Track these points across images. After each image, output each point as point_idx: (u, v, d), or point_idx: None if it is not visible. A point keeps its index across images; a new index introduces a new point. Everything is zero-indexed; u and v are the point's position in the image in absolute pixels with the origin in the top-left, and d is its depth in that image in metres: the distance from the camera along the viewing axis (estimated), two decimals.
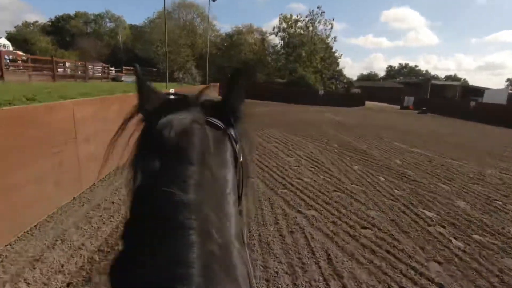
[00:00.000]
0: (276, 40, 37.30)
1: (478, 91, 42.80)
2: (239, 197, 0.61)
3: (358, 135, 11.33)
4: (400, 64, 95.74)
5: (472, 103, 24.52)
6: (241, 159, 0.62)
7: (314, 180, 5.48)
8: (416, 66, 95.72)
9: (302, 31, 35.86)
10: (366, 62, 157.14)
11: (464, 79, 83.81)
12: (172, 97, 0.66)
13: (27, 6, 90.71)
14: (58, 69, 20.51)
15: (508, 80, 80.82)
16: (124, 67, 26.24)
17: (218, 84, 28.18)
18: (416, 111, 26.71)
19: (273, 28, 36.61)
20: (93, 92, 8.96)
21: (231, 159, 0.58)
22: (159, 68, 29.12)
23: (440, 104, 28.75)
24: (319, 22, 34.81)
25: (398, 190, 5.25)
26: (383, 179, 5.80)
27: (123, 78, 22.06)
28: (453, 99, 41.42)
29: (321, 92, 28.84)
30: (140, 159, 0.51)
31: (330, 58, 34.85)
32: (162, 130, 0.49)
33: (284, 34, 36.14)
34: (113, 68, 25.60)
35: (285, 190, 4.89)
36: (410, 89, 46.52)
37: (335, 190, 5.04)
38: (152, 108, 0.58)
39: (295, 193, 4.78)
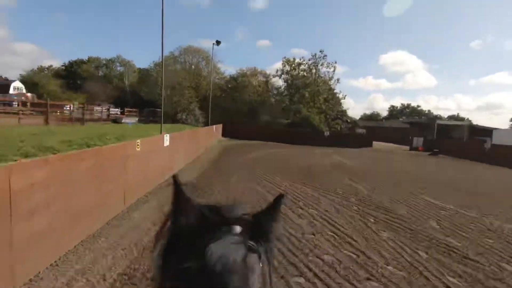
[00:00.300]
0: (279, 82, 37.93)
1: (486, 131, 42.01)
2: None
3: (374, 184, 10.10)
4: (402, 104, 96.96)
5: (487, 145, 23.42)
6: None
7: (337, 259, 4.18)
8: (418, 106, 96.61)
9: (305, 73, 36.45)
10: (367, 103, 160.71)
11: (467, 118, 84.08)
12: (207, 210, 0.64)
13: (45, 52, 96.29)
14: (59, 111, 20.41)
15: None
16: (126, 109, 26.20)
17: (221, 125, 27.78)
18: (427, 153, 25.58)
19: (277, 71, 37.37)
20: (77, 140, 8.12)
21: (262, 278, 0.59)
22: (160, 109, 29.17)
23: (450, 145, 27.73)
24: (322, 64, 35.54)
25: (452, 276, 3.91)
26: (426, 256, 4.47)
27: (123, 120, 21.72)
28: (461, 139, 40.53)
29: (327, 133, 28.15)
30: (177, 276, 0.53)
31: (333, 99, 34.85)
32: (211, 265, 0.51)
33: (287, 76, 36.73)
34: (116, 110, 25.52)
35: (301, 279, 3.60)
36: (415, 129, 45.97)
37: (368, 278, 3.72)
38: (187, 222, 0.60)
39: (315, 285, 3.49)
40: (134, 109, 28.70)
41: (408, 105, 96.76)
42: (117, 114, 24.36)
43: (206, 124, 28.75)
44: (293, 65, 36.31)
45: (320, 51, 35.59)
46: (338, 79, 35.75)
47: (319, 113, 34.36)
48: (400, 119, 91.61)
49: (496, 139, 34.81)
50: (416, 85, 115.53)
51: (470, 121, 68.20)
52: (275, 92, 37.61)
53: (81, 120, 19.22)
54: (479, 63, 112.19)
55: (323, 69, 36.03)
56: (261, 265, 0.61)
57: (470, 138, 39.63)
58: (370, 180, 10.89)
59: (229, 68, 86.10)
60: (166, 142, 8.37)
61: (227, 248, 0.55)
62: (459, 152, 24.25)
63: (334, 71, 35.85)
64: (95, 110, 23.66)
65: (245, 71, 36.40)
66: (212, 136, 19.76)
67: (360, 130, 46.43)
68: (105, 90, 39.09)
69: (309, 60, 36.13)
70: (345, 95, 35.25)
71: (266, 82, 38.19)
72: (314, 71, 36.07)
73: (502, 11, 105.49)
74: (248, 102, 34.06)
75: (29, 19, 79.98)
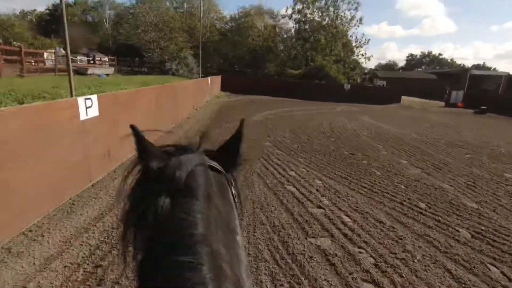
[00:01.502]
0: (289, 25, 31.67)
1: None
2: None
3: (439, 167, 6.22)
4: (422, 52, 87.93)
5: None
6: (236, 201, 0.67)
7: None
8: (440, 54, 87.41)
9: (320, 13, 30.05)
10: (378, 52, 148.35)
11: (495, 68, 75.90)
12: (171, 148, 0.67)
13: None
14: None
15: None
16: (99, 56, 21.36)
17: (219, 76, 23.05)
18: (471, 111, 20.97)
19: (286, 10, 30.89)
20: None
21: (231, 199, 0.62)
22: (146, 56, 24.12)
23: (493, 99, 22.91)
24: (342, 0, 28.91)
25: None
26: None
27: (92, 71, 17.08)
28: (496, 92, 35.24)
29: (347, 86, 23.33)
30: (149, 198, 0.52)
31: (349, 45, 29.03)
32: (173, 169, 0.53)
33: (299, 16, 30.42)
34: (82, 58, 20.58)
35: None
36: (445, 81, 40.28)
37: None
38: (153, 159, 0.60)
39: None
40: (111, 57, 23.62)
41: (429, 53, 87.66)
42: (82, 62, 19.46)
43: (202, 76, 24.03)
44: (307, 2, 29.74)
45: None
46: (361, 19, 29.34)
47: (336, 62, 28.95)
48: (419, 69, 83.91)
49: None
50: (434, 31, 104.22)
51: (508, 72, 60.86)
52: (284, 36, 31.58)
53: (36, 70, 14.85)
54: (505, 6, 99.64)
55: (343, 7, 29.51)
56: (231, 188, 0.64)
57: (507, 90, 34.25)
58: (429, 159, 6.93)
59: (229, 5, 75.28)
60: (89, 112, 4.26)
61: (189, 161, 0.56)
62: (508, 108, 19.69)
63: (356, 9, 29.32)
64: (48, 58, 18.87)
65: (248, 10, 29.99)
66: (204, 91, 15.37)
67: (379, 82, 40.96)
68: (84, 36, 33.44)
69: None
70: (368, 40, 29.23)
71: (274, 26, 31.90)
72: (332, 9, 29.60)
73: None
74: (252, 49, 28.55)
75: None
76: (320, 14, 30.17)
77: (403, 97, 25.23)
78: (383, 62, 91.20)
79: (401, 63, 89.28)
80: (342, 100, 22.27)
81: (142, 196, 0.54)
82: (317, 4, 29.88)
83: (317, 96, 22.42)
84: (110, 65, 20.70)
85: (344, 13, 29.32)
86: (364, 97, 22.97)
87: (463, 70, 40.24)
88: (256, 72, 30.32)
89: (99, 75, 16.85)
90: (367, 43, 28.37)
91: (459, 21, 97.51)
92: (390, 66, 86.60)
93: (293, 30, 30.96)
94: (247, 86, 23.32)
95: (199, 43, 20.15)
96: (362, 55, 29.51)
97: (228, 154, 0.71)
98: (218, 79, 22.19)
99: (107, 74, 18.18)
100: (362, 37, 28.37)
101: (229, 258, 0.46)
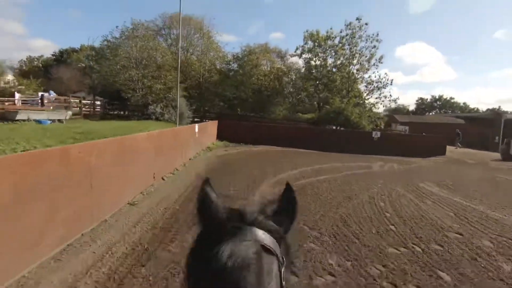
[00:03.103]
0: (299, 64, 28.17)
1: None
2: None
3: None
4: (432, 96, 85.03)
5: None
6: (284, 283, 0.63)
7: None
8: (452, 98, 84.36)
9: (333, 52, 26.60)
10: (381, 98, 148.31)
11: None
12: (230, 212, 0.68)
13: (57, 47, 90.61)
14: None
15: None
16: (49, 96, 17.10)
17: (214, 122, 18.57)
18: None
19: (296, 49, 27.66)
20: None
21: (276, 281, 0.60)
22: (126, 98, 20.03)
23: None
24: (360, 37, 25.50)
25: None
26: None
27: (21, 116, 11.95)
28: None
29: (376, 134, 18.47)
30: (197, 275, 0.57)
31: (376, 85, 24.85)
32: (222, 259, 0.54)
33: (310, 55, 26.99)
34: (18, 96, 15.98)
35: None
36: (477, 126, 35.59)
37: None
38: (211, 224, 0.64)
39: None
40: (65, 97, 18.87)
41: (440, 97, 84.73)
42: (14, 103, 14.84)
43: (197, 120, 19.62)
44: (319, 40, 26.49)
45: (357, 19, 25.59)
46: (381, 58, 25.61)
47: (355, 105, 24.63)
48: (431, 113, 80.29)
49: None
50: (434, 77, 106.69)
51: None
52: (293, 77, 27.83)
53: None
54: (503, 54, 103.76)
55: (361, 44, 26.04)
56: (280, 267, 0.62)
57: None
58: None
59: (231, 41, 73.64)
60: None
61: (238, 247, 0.57)
62: None
63: (376, 48, 25.77)
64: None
65: (253, 47, 26.67)
66: (186, 145, 10.59)
67: (400, 128, 36.35)
68: (74, 78, 30.39)
69: (341, 31, 26.21)
70: (392, 80, 25.16)
71: (282, 66, 28.38)
72: (348, 47, 26.14)
73: None
74: (257, 90, 24.54)
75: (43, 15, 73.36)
76: (334, 54, 26.74)
77: (449, 148, 20.03)
78: (386, 107, 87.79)
79: (411, 107, 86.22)
80: (372, 151, 17.27)
81: (192, 270, 0.59)
82: (329, 42, 26.60)
83: (339, 146, 17.49)
84: (64, 108, 15.99)
85: (361, 51, 25.74)
86: (398, 148, 17.97)
87: (496, 114, 35.74)
88: (261, 116, 26.03)
89: (39, 121, 12.33)
90: (391, 84, 24.33)
91: (458, 69, 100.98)
92: (400, 110, 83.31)
93: (303, 69, 27.30)
94: (250, 133, 18.67)
95: (196, 84, 15.95)
96: (386, 97, 25.22)
97: (281, 219, 0.68)
98: (213, 125, 17.63)
99: (56, 120, 13.59)
100: (385, 76, 24.36)
101: None
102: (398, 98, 24.66)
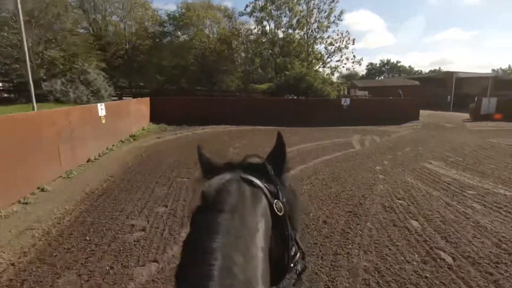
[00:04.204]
0: (250, 24, 23.85)
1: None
2: (287, 251, 0.68)
3: None
4: (381, 61, 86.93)
5: None
6: (282, 213, 0.67)
7: None
8: (398, 61, 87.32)
9: (289, 9, 22.80)
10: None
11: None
12: (223, 163, 0.76)
13: None
14: None
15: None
16: None
17: (147, 99, 14.16)
18: None
19: (246, 7, 23.26)
20: None
21: (264, 212, 0.64)
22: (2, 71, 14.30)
23: None
24: None
25: None
26: None
27: None
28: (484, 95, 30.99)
29: (346, 101, 15.72)
30: (194, 211, 0.63)
31: (338, 45, 21.83)
32: (204, 189, 0.63)
33: (263, 14, 22.86)
34: None
35: None
36: (431, 86, 35.59)
37: None
38: (207, 175, 0.73)
39: None
40: None
41: (388, 61, 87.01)
42: None
43: (122, 97, 14.91)
44: None
45: None
46: (341, 12, 22.41)
47: (317, 70, 21.60)
48: (381, 77, 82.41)
49: None
50: (377, 43, 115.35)
51: (497, 71, 59.21)
52: (244, 40, 23.53)
53: None
54: (436, 19, 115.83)
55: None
56: (271, 200, 0.66)
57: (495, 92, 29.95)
58: None
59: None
60: None
61: (218, 180, 0.66)
62: None
63: (335, 1, 22.46)
64: None
65: (191, 3, 21.37)
66: (84, 138, 6.43)
67: (360, 93, 34.85)
68: None
69: None
70: (354, 39, 22.34)
71: (229, 30, 23.72)
72: (303, 1, 22.42)
73: None
74: (200, 56, 19.98)
75: None
76: (288, 11, 22.92)
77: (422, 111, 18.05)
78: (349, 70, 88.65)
79: (361, 72, 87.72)
80: (342, 121, 14.58)
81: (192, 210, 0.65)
82: None
83: (305, 119, 14.49)
84: None
85: (320, 7, 22.30)
86: (369, 116, 15.57)
87: (447, 74, 35.86)
88: (210, 89, 21.74)
89: None
90: (353, 43, 21.56)
91: (398, 35, 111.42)
92: (352, 76, 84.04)
93: (256, 30, 23.14)
94: (195, 111, 14.66)
95: (125, 53, 11.13)
96: (348, 58, 22.43)
97: (274, 164, 0.74)
98: (142, 104, 13.18)
99: None
100: (346, 35, 21.43)
101: (244, 263, 0.51)
102: (362, 59, 21.97)
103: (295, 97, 19.09)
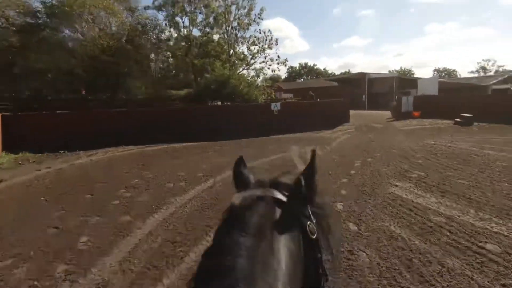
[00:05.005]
0: (158, 18, 20.22)
1: (412, 82, 37.06)
2: (321, 274, 0.63)
3: None
4: (300, 64, 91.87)
5: None
6: (315, 236, 0.63)
7: None
8: (314, 65, 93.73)
9: (204, 5, 20.15)
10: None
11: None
12: (255, 179, 0.75)
13: None
14: None
15: (435, 70, 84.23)
16: None
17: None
18: (451, 122, 14.73)
19: (154, 1, 19.70)
20: None
21: (294, 234, 0.60)
22: None
23: (433, 103, 18.11)
24: None
25: None
26: None
27: None
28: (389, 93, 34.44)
29: (276, 106, 13.82)
30: (220, 224, 0.62)
31: (261, 45, 20.07)
32: (233, 203, 0.62)
33: (174, 10, 19.64)
34: None
35: None
36: (347, 86, 37.61)
37: None
38: (239, 188, 0.72)
39: None
40: None
41: (306, 64, 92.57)
42: None
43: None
44: None
45: None
46: (262, 11, 20.82)
47: (241, 73, 19.45)
48: (301, 79, 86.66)
49: (421, 89, 29.66)
50: (293, 49, 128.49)
51: (397, 71, 66.63)
52: (156, 38, 19.71)
53: None
54: (340, 28, 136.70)
55: None
56: (304, 222, 0.62)
57: (400, 92, 33.40)
58: None
59: None
60: None
61: (249, 198, 0.63)
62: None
63: None
64: None
65: None
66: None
67: (286, 95, 34.41)
68: None
69: None
70: (277, 39, 20.93)
71: (133, 26, 19.49)
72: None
73: None
74: (91, 56, 15.44)
75: None
76: (203, 8, 20.22)
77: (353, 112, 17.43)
78: (274, 72, 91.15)
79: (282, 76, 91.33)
80: (274, 129, 12.60)
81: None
82: None
83: (231, 129, 12.00)
84: None
85: (238, 3, 20.23)
86: (301, 120, 14.05)
87: (360, 74, 38.47)
88: (114, 98, 17.34)
89: None
90: (276, 43, 20.18)
91: (310, 41, 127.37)
92: (275, 78, 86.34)
93: (167, 27, 19.61)
94: (85, 130, 10.67)
95: None
96: (272, 60, 20.93)
97: (306, 183, 0.69)
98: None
99: None
100: (269, 35, 19.87)
101: (266, 285, 0.48)
102: (287, 60, 20.70)
103: (219, 103, 16.45)
